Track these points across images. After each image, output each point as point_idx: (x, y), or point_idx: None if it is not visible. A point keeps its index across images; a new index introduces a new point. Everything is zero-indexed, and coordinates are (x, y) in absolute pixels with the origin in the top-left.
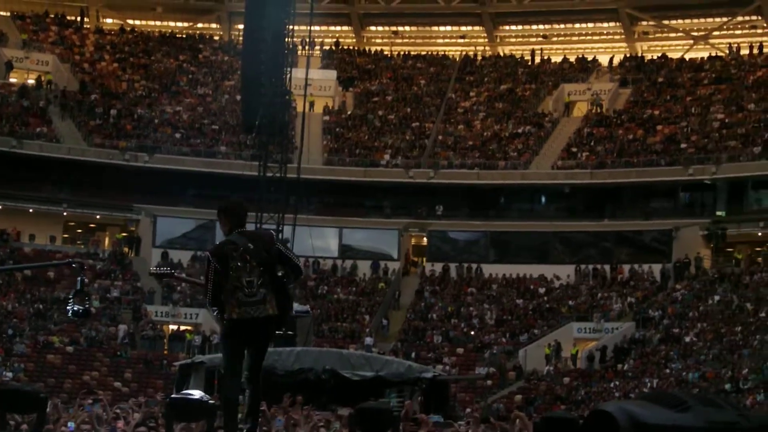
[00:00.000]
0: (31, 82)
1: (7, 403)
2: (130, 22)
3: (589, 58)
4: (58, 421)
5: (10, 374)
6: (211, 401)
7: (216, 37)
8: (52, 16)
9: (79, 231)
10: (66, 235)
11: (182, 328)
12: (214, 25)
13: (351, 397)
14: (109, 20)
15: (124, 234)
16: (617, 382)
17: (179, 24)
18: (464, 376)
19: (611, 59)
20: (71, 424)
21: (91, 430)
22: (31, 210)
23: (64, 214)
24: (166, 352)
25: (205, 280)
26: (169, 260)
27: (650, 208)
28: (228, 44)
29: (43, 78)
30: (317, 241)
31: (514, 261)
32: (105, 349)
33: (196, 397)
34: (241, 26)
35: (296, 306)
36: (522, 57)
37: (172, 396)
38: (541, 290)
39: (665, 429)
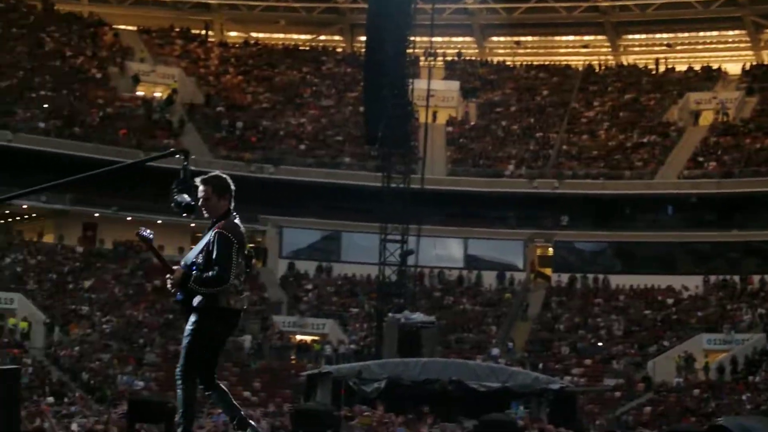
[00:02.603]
0: (157, 95)
1: (138, 413)
2: (254, 35)
3: (714, 66)
4: None
5: (141, 383)
6: (335, 412)
7: (339, 49)
8: (178, 30)
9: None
10: (193, 246)
11: (309, 338)
12: (336, 37)
13: (476, 408)
14: (233, 33)
15: (250, 245)
16: (748, 395)
17: (302, 36)
18: (592, 388)
19: (743, 67)
20: None
21: None
22: (159, 221)
23: (192, 225)
24: (293, 362)
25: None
26: (295, 271)
27: None
28: (350, 56)
29: (173, 95)
30: (442, 251)
31: (641, 272)
32: (233, 359)
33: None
34: (363, 38)
35: (422, 317)
36: (646, 66)
37: (298, 406)
38: (669, 301)
39: None
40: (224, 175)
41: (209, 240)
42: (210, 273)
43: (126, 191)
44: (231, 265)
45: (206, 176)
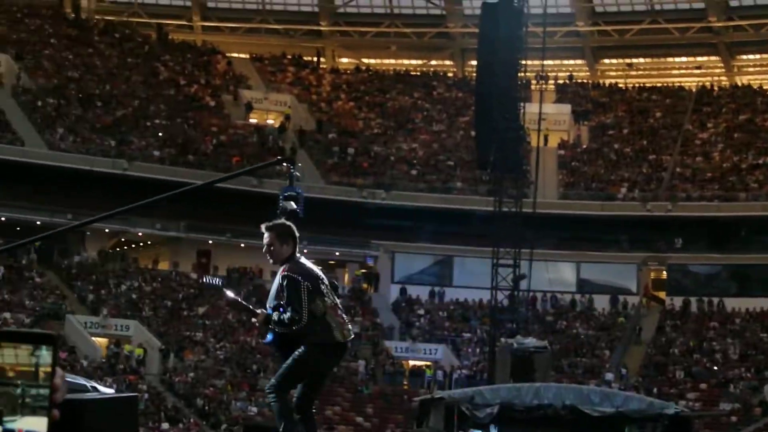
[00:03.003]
0: (270, 122)
1: None
2: (365, 61)
3: None
4: None
5: (255, 409)
6: None
7: (449, 74)
8: (290, 57)
9: (320, 267)
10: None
11: (422, 363)
12: (447, 62)
13: None
14: (344, 60)
15: (363, 270)
16: None
17: (413, 62)
18: (708, 412)
19: None
20: None
21: None
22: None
23: (305, 251)
24: (406, 387)
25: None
26: (407, 296)
27: None
28: (461, 81)
29: (285, 122)
30: (554, 275)
31: (757, 294)
32: (346, 385)
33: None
34: (474, 62)
35: (534, 341)
36: (761, 86)
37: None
38: None
39: None
40: (288, 223)
41: (279, 283)
42: (286, 315)
43: (239, 217)
44: (303, 305)
45: (270, 223)
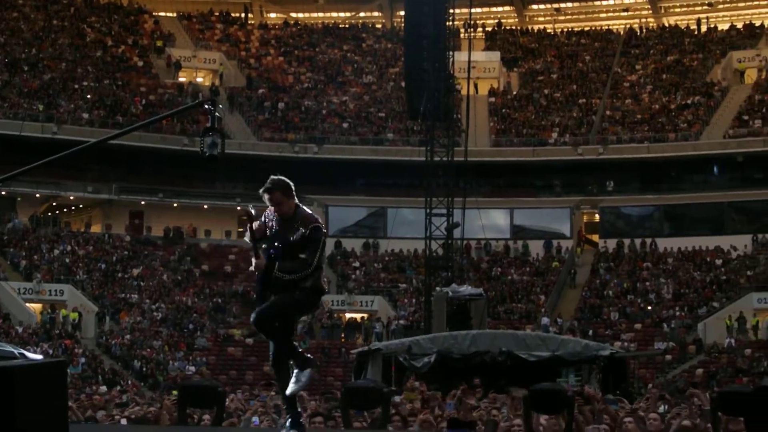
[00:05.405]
0: (199, 80)
1: (189, 399)
2: (293, 15)
3: (757, 23)
4: (243, 414)
5: (192, 368)
6: (386, 389)
7: (378, 26)
8: (217, 14)
9: None
10: (241, 229)
11: (359, 315)
12: (375, 14)
13: (528, 378)
14: (272, 15)
15: None
16: None
17: (341, 14)
18: (643, 352)
19: None
20: (256, 419)
21: (269, 420)
22: (205, 206)
23: (238, 208)
24: (343, 340)
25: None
26: (342, 249)
27: None
28: (390, 32)
29: (215, 80)
30: (487, 222)
31: (689, 234)
32: None
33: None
34: (402, 13)
35: (470, 289)
36: (688, 26)
37: (347, 384)
38: (718, 262)
39: None
40: (281, 177)
41: (302, 233)
42: (295, 261)
43: (171, 178)
44: (316, 255)
45: (269, 184)
